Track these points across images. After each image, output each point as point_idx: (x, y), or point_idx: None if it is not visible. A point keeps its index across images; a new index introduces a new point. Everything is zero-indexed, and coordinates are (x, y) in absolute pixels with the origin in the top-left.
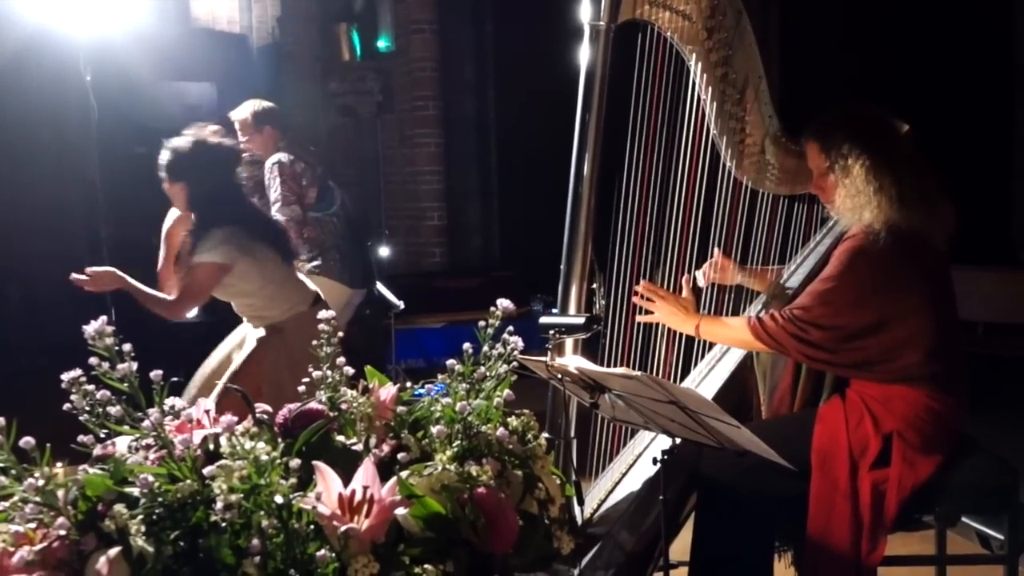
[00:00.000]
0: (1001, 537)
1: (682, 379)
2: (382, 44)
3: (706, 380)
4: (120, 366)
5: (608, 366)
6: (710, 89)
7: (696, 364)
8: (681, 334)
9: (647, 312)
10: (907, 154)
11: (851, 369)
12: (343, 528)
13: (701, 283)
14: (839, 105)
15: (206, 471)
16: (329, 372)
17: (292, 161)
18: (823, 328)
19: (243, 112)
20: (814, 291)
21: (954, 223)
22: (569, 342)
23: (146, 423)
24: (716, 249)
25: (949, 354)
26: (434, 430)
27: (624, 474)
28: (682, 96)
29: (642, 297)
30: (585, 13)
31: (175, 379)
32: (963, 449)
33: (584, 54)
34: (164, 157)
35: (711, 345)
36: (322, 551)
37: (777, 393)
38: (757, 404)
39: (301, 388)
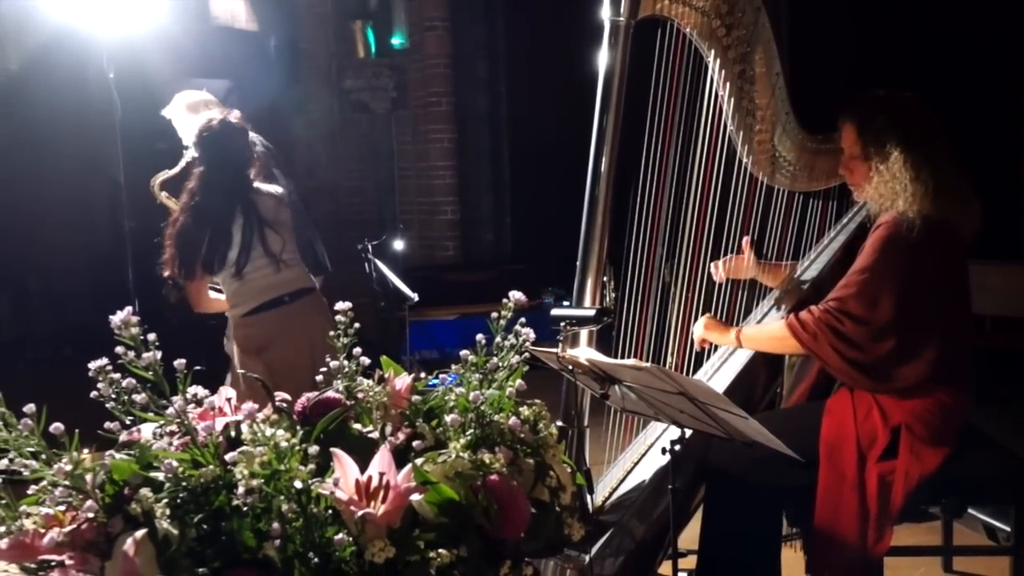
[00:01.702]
0: (1008, 529)
1: (694, 372)
2: (396, 41)
3: (718, 373)
4: (145, 355)
5: (620, 358)
6: (728, 85)
7: (708, 357)
8: (691, 327)
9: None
10: (944, 146)
11: (876, 374)
12: (360, 513)
13: (716, 278)
14: (880, 90)
15: (228, 457)
16: (346, 362)
17: None
18: (858, 321)
19: (175, 107)
20: (849, 282)
21: (981, 219)
22: (584, 334)
23: (170, 410)
24: (746, 237)
25: (961, 348)
26: (448, 419)
27: (636, 463)
28: (700, 92)
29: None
30: (605, 9)
31: (198, 367)
32: (970, 441)
33: (603, 50)
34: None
35: None
36: (340, 535)
37: (798, 389)
38: (779, 397)
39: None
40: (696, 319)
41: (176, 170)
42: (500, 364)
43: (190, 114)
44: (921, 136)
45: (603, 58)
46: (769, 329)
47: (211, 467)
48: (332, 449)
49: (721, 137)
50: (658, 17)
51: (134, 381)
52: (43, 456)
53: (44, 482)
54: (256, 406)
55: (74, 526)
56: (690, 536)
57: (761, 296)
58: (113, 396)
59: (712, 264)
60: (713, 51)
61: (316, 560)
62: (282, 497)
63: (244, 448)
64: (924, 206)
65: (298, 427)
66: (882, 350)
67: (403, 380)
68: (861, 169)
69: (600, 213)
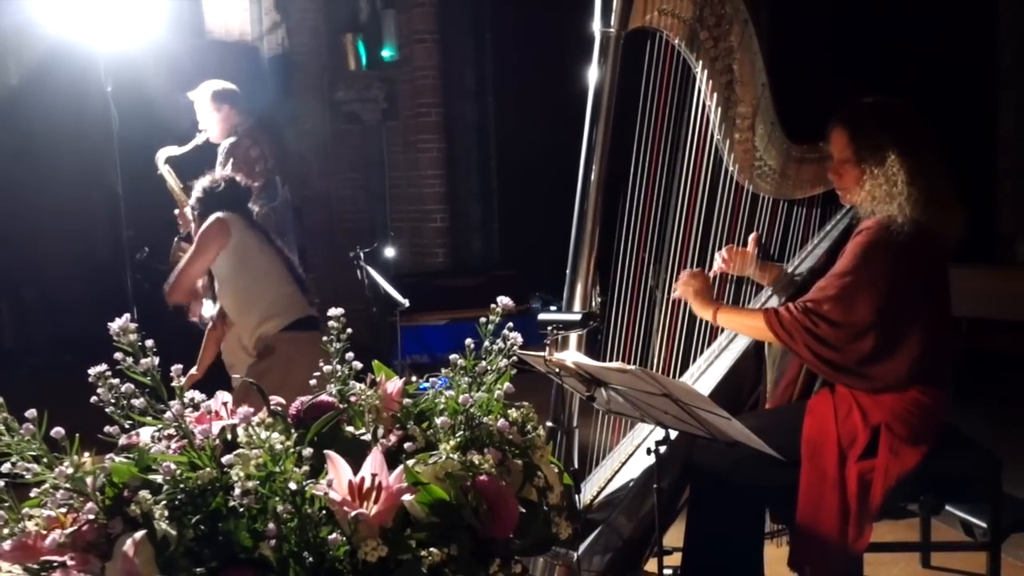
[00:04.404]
0: (984, 525)
1: (681, 374)
2: (386, 53)
3: (705, 375)
4: (143, 361)
5: (607, 361)
6: (714, 95)
7: (695, 360)
8: (680, 331)
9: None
10: (935, 154)
11: (850, 374)
12: (353, 513)
13: (717, 268)
14: (872, 97)
15: (224, 459)
16: (338, 366)
17: (249, 146)
18: (833, 324)
19: (201, 92)
20: (828, 285)
21: (964, 228)
22: (573, 338)
23: (168, 414)
24: (753, 234)
25: (940, 350)
26: (438, 421)
27: (623, 463)
28: (687, 102)
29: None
30: (596, 21)
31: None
32: (948, 440)
33: (593, 62)
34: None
35: (710, 341)
36: (333, 535)
37: (782, 382)
38: (764, 393)
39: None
40: (682, 323)
41: (185, 149)
42: (489, 367)
43: (213, 103)
44: (915, 143)
45: (593, 70)
46: (747, 317)
47: (208, 469)
48: (326, 451)
49: (708, 146)
50: (647, 28)
51: (132, 386)
52: (45, 460)
53: (46, 485)
54: (251, 410)
55: (75, 528)
56: (676, 534)
57: (747, 300)
58: (112, 401)
59: (720, 252)
60: (701, 62)
61: (311, 559)
62: (277, 498)
63: (240, 451)
64: (915, 212)
65: (292, 430)
66: (857, 351)
67: (394, 384)
68: (852, 173)
69: (590, 221)
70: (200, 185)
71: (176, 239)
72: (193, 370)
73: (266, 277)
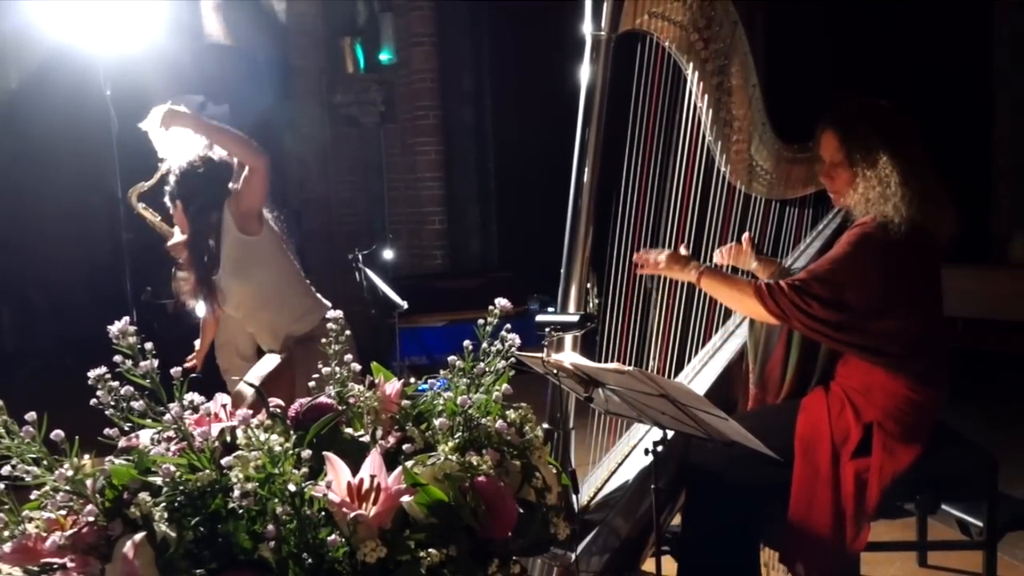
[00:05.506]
0: (980, 523)
1: (676, 374)
2: (384, 57)
3: (699, 375)
4: (143, 363)
5: (603, 362)
6: (706, 97)
7: (689, 360)
8: (674, 332)
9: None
10: (924, 152)
11: (849, 347)
12: (352, 515)
13: (717, 260)
14: (859, 99)
15: (224, 461)
16: (338, 368)
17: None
18: (825, 303)
19: (153, 119)
20: (818, 267)
21: (956, 225)
22: (568, 339)
23: (167, 417)
24: (746, 234)
25: (933, 348)
26: (437, 422)
27: (620, 464)
28: (679, 104)
29: (641, 266)
30: (586, 24)
31: (194, 375)
32: (943, 439)
33: (585, 64)
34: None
35: (705, 341)
36: (333, 536)
37: (769, 364)
38: (746, 372)
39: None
40: (677, 323)
41: (152, 182)
42: (487, 369)
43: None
44: (905, 143)
45: (585, 72)
46: (735, 287)
47: (207, 471)
48: (325, 453)
49: (700, 147)
50: (638, 31)
51: (132, 389)
52: (45, 462)
53: (46, 487)
54: (251, 412)
55: (75, 530)
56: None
57: None
58: (112, 403)
59: (717, 251)
60: (692, 64)
61: (310, 560)
62: (276, 500)
63: (239, 452)
64: (910, 211)
65: (291, 432)
66: (850, 337)
67: (393, 385)
68: (844, 176)
69: (583, 222)
70: (176, 168)
71: (173, 269)
72: (196, 343)
73: (292, 276)
